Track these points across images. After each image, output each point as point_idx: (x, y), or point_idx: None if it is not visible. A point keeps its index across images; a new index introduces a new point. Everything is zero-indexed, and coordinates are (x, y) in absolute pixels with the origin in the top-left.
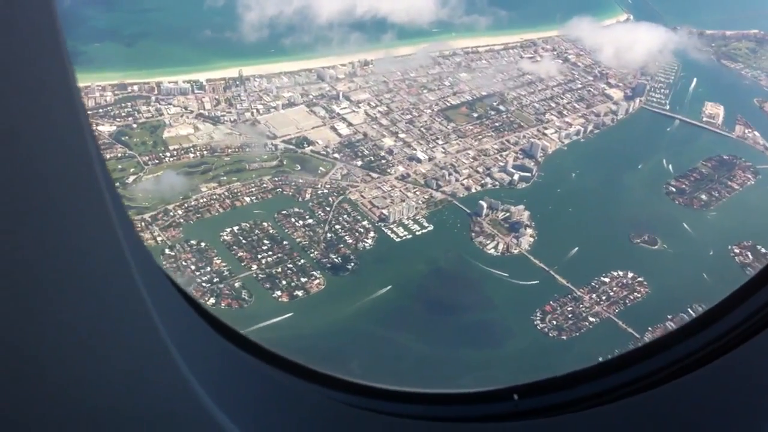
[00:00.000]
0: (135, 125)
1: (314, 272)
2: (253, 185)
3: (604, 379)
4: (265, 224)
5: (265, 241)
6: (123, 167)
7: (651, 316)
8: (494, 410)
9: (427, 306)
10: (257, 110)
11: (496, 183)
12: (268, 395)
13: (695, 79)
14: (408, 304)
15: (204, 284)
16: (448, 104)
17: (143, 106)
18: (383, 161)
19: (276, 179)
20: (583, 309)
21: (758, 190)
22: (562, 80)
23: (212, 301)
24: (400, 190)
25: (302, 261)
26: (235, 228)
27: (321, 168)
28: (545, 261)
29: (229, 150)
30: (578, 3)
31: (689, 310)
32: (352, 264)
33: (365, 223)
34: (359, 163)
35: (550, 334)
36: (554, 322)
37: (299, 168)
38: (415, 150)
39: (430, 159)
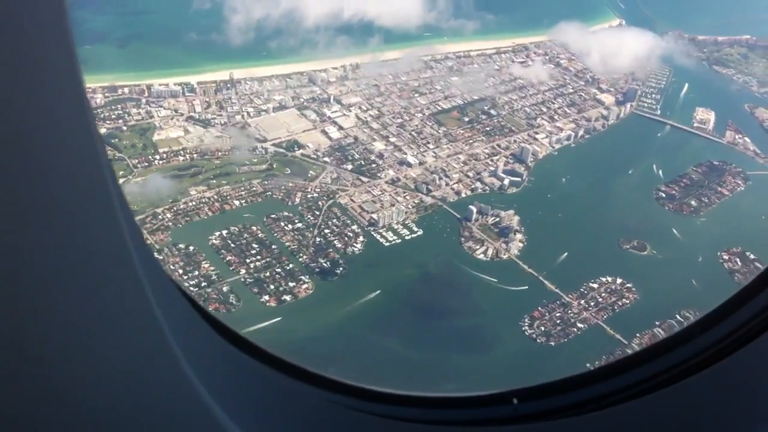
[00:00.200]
0: (125, 128)
1: (303, 277)
2: (242, 189)
3: (604, 383)
4: (254, 228)
5: (254, 245)
6: None
7: (639, 322)
8: (493, 414)
9: (416, 311)
10: (248, 113)
11: (487, 188)
12: (270, 397)
13: (686, 85)
14: (396, 309)
15: (192, 288)
16: (440, 108)
17: (133, 109)
18: (373, 165)
19: (266, 183)
20: (572, 315)
21: (748, 196)
22: (553, 85)
23: None
24: (390, 195)
25: (291, 265)
26: (224, 232)
27: (311, 172)
28: (534, 266)
29: (219, 153)
30: (570, 8)
31: (677, 316)
32: (341, 268)
33: (355, 227)
34: (349, 167)
35: (538, 340)
36: (542, 328)
37: (289, 171)
38: (406, 154)
39: (420, 163)
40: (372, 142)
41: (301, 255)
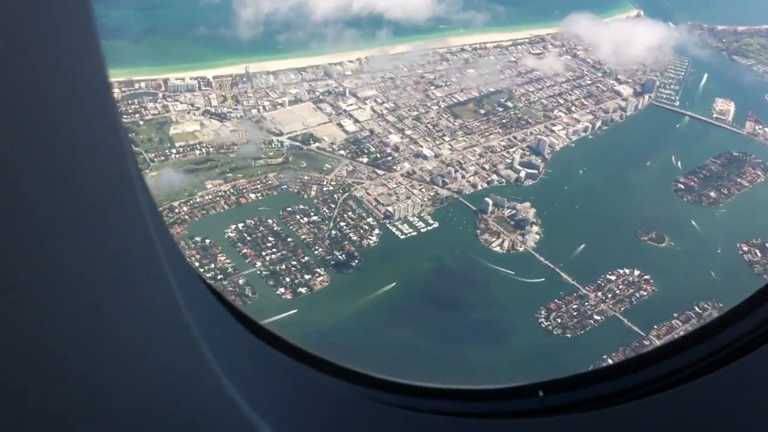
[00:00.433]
0: (142, 122)
1: (318, 269)
2: (258, 182)
3: (630, 376)
4: (269, 221)
5: (270, 238)
6: None
7: (657, 314)
8: (519, 407)
9: (432, 303)
10: (263, 107)
11: (503, 180)
12: (296, 390)
13: (706, 75)
14: (412, 302)
15: (208, 281)
16: (455, 101)
17: (150, 103)
18: (389, 158)
19: (281, 176)
20: (589, 307)
21: None
22: (570, 76)
23: None
24: (406, 187)
25: (306, 258)
26: (240, 225)
27: (326, 165)
28: (551, 258)
29: (235, 147)
30: None
31: (696, 308)
32: (357, 261)
33: (370, 220)
34: (365, 159)
35: (555, 332)
36: (559, 320)
37: (305, 165)
38: (422, 147)
39: (436, 156)
40: (387, 134)
41: (317, 248)
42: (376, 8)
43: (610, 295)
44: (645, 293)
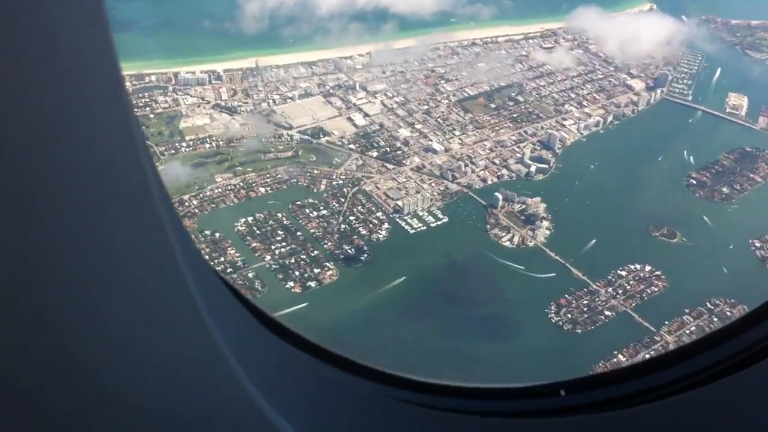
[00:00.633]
0: (152, 115)
1: (327, 263)
2: (268, 176)
3: (652, 376)
4: (279, 215)
5: (279, 232)
6: None
7: (668, 310)
8: (539, 406)
9: (441, 298)
10: (273, 100)
11: (513, 175)
12: (316, 389)
13: (719, 70)
14: (422, 296)
15: (224, 277)
16: (466, 95)
17: (160, 97)
18: (399, 152)
19: (291, 170)
20: (599, 302)
21: None
22: (582, 70)
23: None
24: (416, 182)
25: (316, 252)
26: (250, 218)
27: (336, 159)
28: (561, 254)
29: (245, 140)
30: None
31: (708, 304)
32: (366, 255)
33: (380, 214)
34: (375, 153)
35: (565, 328)
36: (569, 316)
37: (314, 159)
38: (432, 141)
39: (446, 150)
40: (397, 129)
41: (326, 242)
42: (381, 2)
43: (620, 291)
44: (656, 289)
